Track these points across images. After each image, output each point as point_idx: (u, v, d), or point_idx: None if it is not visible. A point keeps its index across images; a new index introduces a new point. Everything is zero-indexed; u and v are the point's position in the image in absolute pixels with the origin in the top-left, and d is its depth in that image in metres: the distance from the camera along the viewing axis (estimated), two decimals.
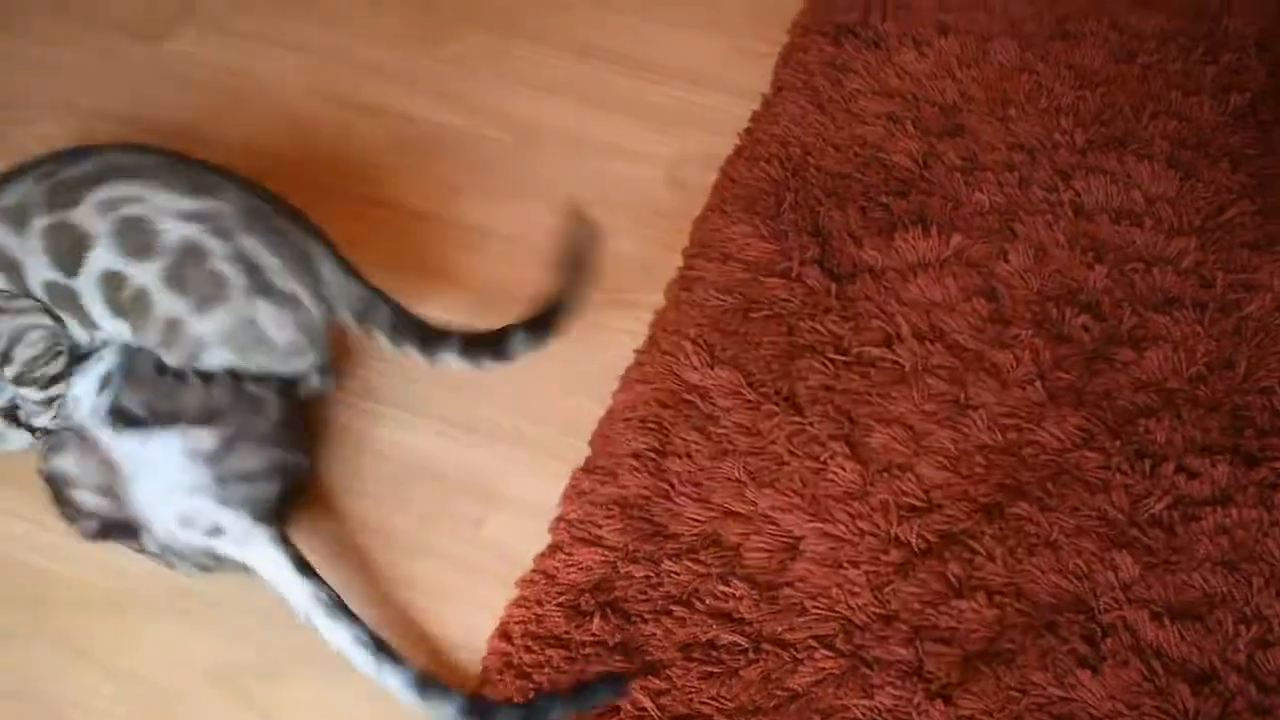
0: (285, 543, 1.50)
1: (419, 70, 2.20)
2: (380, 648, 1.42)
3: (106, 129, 2.12)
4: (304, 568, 1.48)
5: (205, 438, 1.50)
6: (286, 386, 1.61)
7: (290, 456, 1.58)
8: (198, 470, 1.50)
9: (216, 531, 1.49)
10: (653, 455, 1.63)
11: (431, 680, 1.42)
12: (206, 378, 1.55)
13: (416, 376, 1.76)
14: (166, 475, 1.50)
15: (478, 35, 2.27)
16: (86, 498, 1.50)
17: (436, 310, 1.77)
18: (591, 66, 2.21)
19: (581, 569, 1.55)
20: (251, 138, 2.10)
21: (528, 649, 1.48)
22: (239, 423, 1.53)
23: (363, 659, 1.42)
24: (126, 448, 1.50)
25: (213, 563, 1.53)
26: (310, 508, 1.64)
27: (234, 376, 1.56)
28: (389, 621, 1.55)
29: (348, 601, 1.48)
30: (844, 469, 1.61)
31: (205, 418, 1.51)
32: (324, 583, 1.47)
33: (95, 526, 1.52)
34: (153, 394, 1.54)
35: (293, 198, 1.90)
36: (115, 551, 1.58)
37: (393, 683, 1.41)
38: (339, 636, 1.44)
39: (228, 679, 1.52)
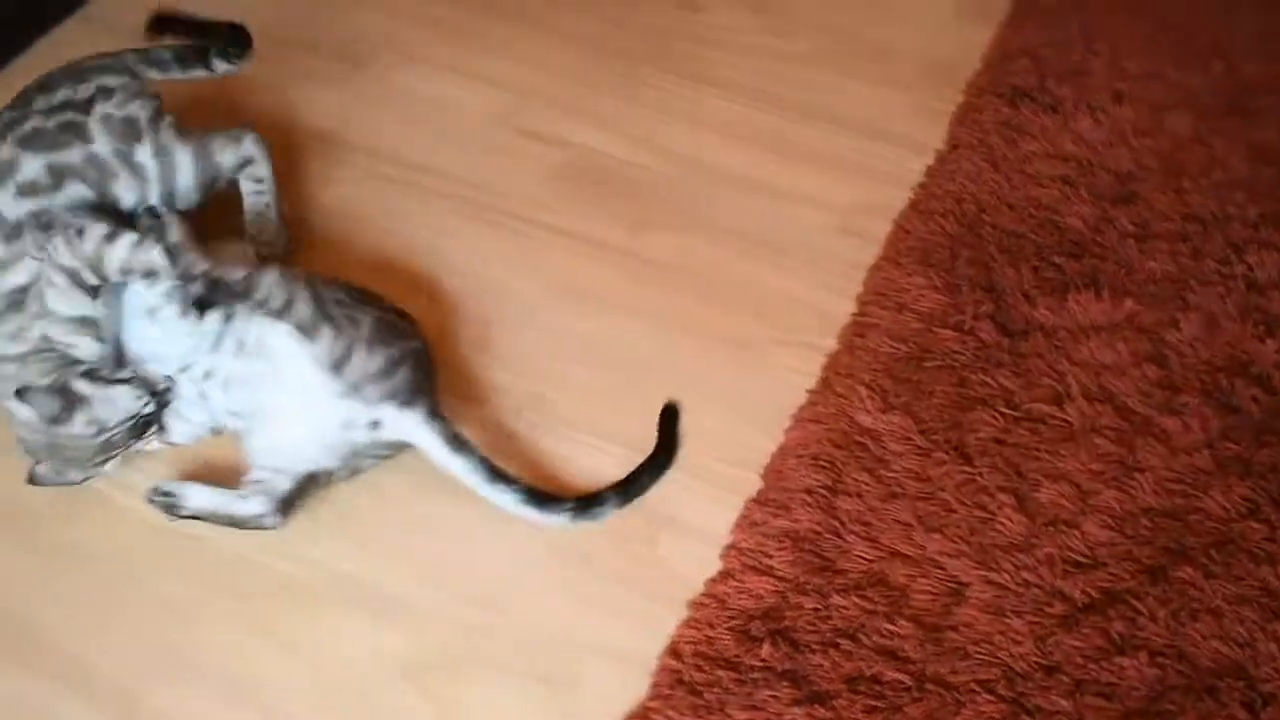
0: (436, 419, 1.68)
1: (608, 109, 2.30)
2: (538, 498, 1.65)
3: (307, 141, 2.25)
4: (456, 442, 1.67)
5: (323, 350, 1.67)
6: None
7: (401, 346, 1.72)
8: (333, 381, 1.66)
9: (375, 425, 1.67)
10: (824, 492, 1.69)
11: (589, 500, 1.67)
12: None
13: (603, 403, 1.85)
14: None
15: (665, 79, 2.36)
16: None
17: (613, 333, 1.89)
18: (771, 114, 2.29)
19: (752, 596, 1.61)
20: (440, 160, 2.21)
21: (698, 668, 1.54)
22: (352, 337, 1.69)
23: (528, 512, 1.65)
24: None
25: (385, 451, 1.73)
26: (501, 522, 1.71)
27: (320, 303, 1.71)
28: (547, 624, 1.63)
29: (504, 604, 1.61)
30: (1011, 520, 1.65)
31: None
32: (476, 453, 1.66)
33: None
34: None
35: (477, 218, 2.05)
36: (314, 546, 1.68)
37: (559, 520, 1.66)
38: (502, 499, 1.65)
39: (411, 674, 1.59)
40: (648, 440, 1.78)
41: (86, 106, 1.82)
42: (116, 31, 2.16)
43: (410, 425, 1.68)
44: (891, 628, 1.57)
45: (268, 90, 2.33)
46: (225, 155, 1.92)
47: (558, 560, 1.69)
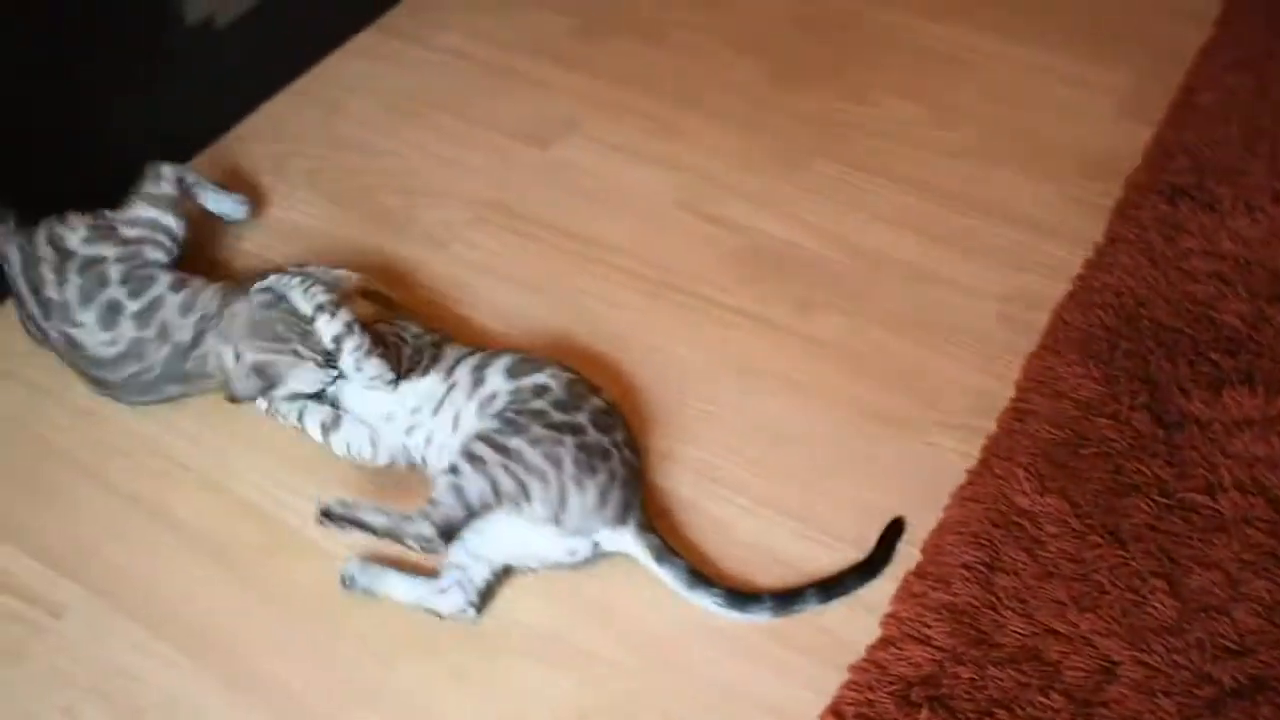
0: (645, 533, 1.82)
1: (776, 193, 2.44)
2: (737, 599, 1.78)
3: (495, 218, 2.43)
4: (662, 552, 1.80)
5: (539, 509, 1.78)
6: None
7: (607, 469, 1.81)
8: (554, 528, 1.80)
9: (595, 545, 1.81)
10: (982, 568, 1.79)
11: (787, 597, 1.78)
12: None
13: (770, 475, 1.98)
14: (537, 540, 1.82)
15: (831, 166, 2.50)
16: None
17: (780, 409, 2.03)
18: (932, 203, 2.40)
19: (911, 664, 1.71)
20: (621, 239, 2.37)
21: None
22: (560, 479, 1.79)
23: (728, 614, 1.78)
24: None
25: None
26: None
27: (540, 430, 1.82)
28: (717, 679, 1.74)
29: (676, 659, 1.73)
30: (1163, 604, 1.73)
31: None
32: (682, 561, 1.80)
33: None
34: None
35: (653, 295, 2.23)
36: (500, 596, 1.83)
37: (759, 618, 1.78)
38: (703, 602, 1.78)
39: (584, 718, 1.72)
40: (810, 511, 1.90)
41: None
42: None
43: (625, 541, 1.82)
44: (1044, 700, 1.65)
45: (452, 163, 2.52)
46: None
47: (729, 623, 1.80)
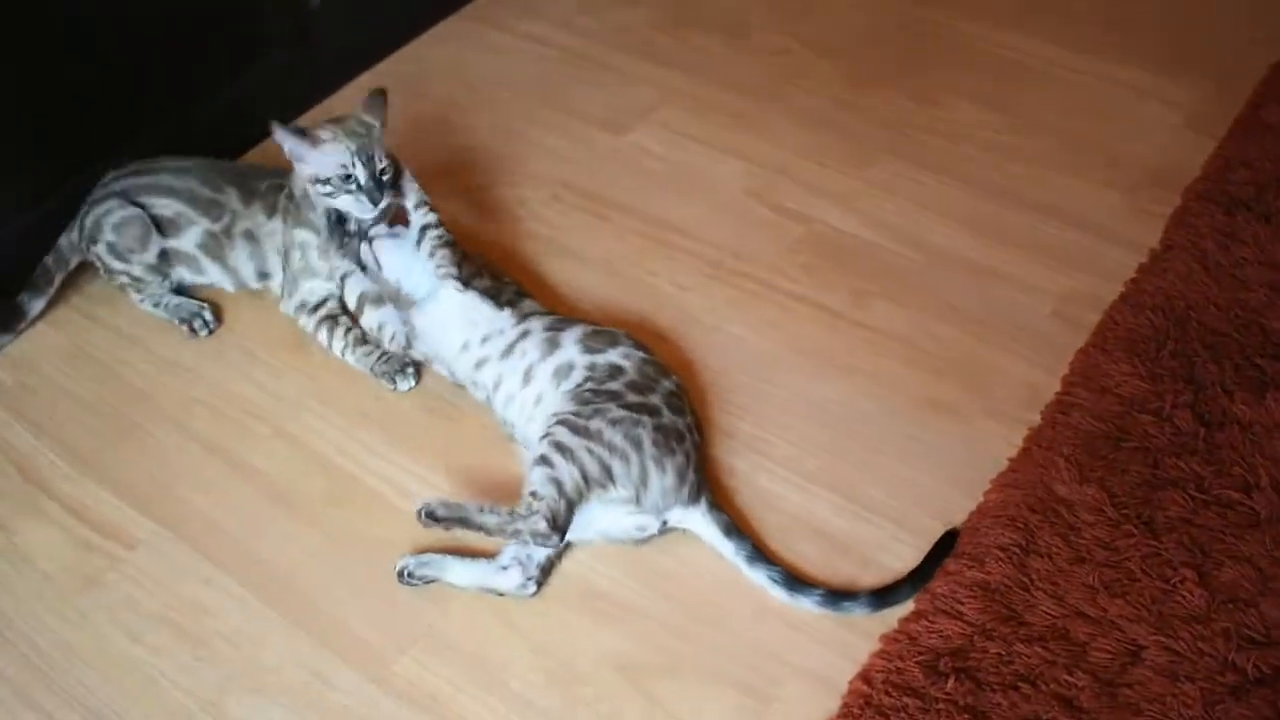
0: (714, 510, 1.89)
1: (843, 187, 2.51)
2: (790, 582, 1.83)
3: (569, 198, 2.52)
4: (730, 529, 1.88)
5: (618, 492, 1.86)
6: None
7: (683, 449, 1.89)
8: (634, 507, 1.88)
9: (664, 524, 1.88)
10: (1017, 550, 1.85)
11: (837, 595, 1.82)
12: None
13: (819, 453, 2.05)
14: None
15: (897, 164, 2.57)
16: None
17: (834, 391, 2.10)
18: (995, 204, 2.46)
19: (941, 636, 1.77)
20: (691, 224, 2.45)
21: (887, 694, 1.71)
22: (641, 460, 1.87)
23: (778, 592, 1.84)
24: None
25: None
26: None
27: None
28: (755, 641, 1.81)
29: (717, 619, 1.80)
30: (1192, 594, 1.78)
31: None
32: (746, 539, 1.87)
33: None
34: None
35: (718, 278, 2.30)
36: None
37: (807, 604, 1.82)
38: (758, 578, 1.85)
39: (628, 671, 1.79)
40: (855, 488, 1.98)
41: None
42: None
43: (694, 519, 1.90)
44: (1069, 678, 1.71)
45: (530, 144, 2.62)
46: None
47: (774, 597, 1.86)
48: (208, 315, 2.28)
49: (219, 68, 2.57)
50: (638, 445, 1.86)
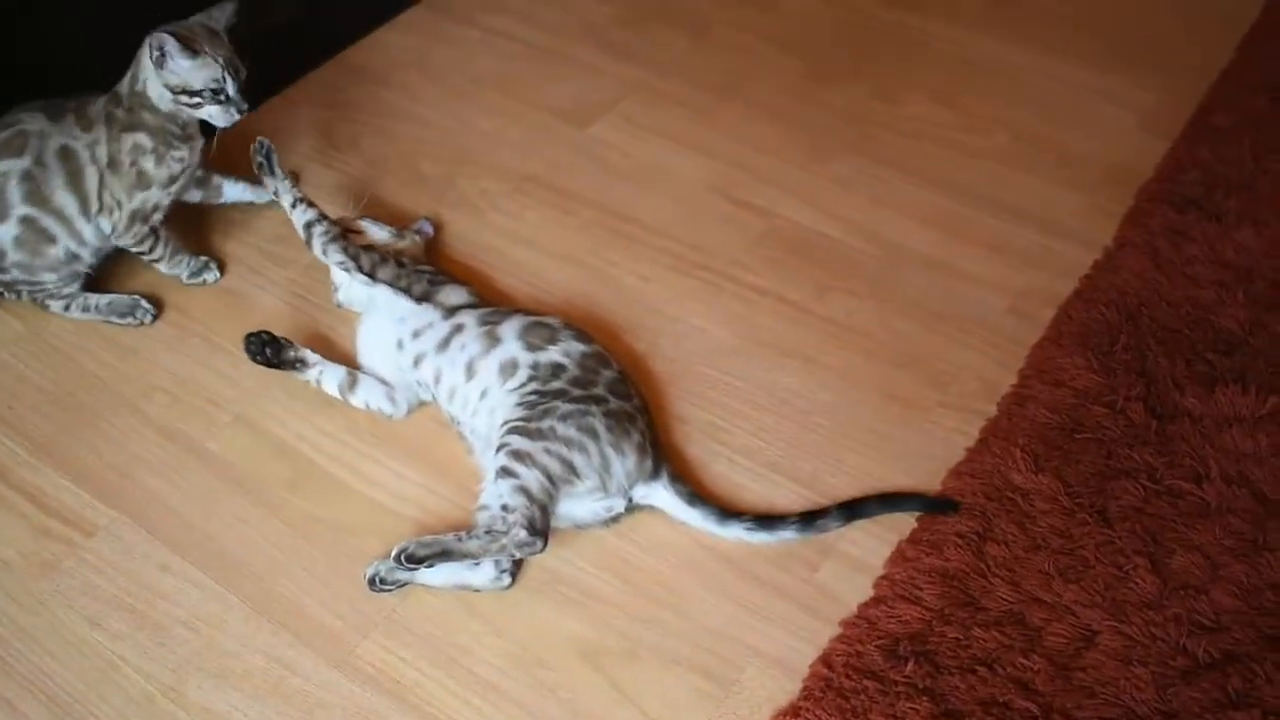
0: (675, 481, 1.93)
1: (804, 183, 2.54)
2: (765, 522, 1.89)
3: (532, 190, 2.53)
4: (692, 498, 1.91)
5: (588, 480, 1.89)
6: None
7: (638, 427, 1.93)
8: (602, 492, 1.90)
9: (630, 502, 1.91)
10: (974, 537, 1.88)
11: (812, 515, 1.90)
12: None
13: (776, 441, 2.07)
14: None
15: (858, 160, 2.59)
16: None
17: (793, 381, 2.13)
18: (954, 201, 2.50)
19: (900, 621, 1.79)
20: (653, 217, 2.47)
21: (847, 676, 1.73)
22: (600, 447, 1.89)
23: (759, 537, 1.89)
24: None
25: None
26: (682, 531, 1.94)
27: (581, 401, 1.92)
28: (716, 625, 1.83)
29: (679, 604, 1.81)
30: (1144, 581, 1.81)
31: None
32: (708, 504, 1.91)
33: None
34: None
35: (680, 270, 2.31)
36: None
37: (788, 535, 1.90)
38: (734, 533, 1.90)
39: (590, 655, 1.81)
40: (814, 477, 2.00)
41: None
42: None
43: (657, 493, 1.92)
44: (1025, 662, 1.74)
45: (493, 136, 2.63)
46: None
47: (731, 574, 1.89)
48: (144, 303, 2.27)
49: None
50: (593, 434, 1.88)
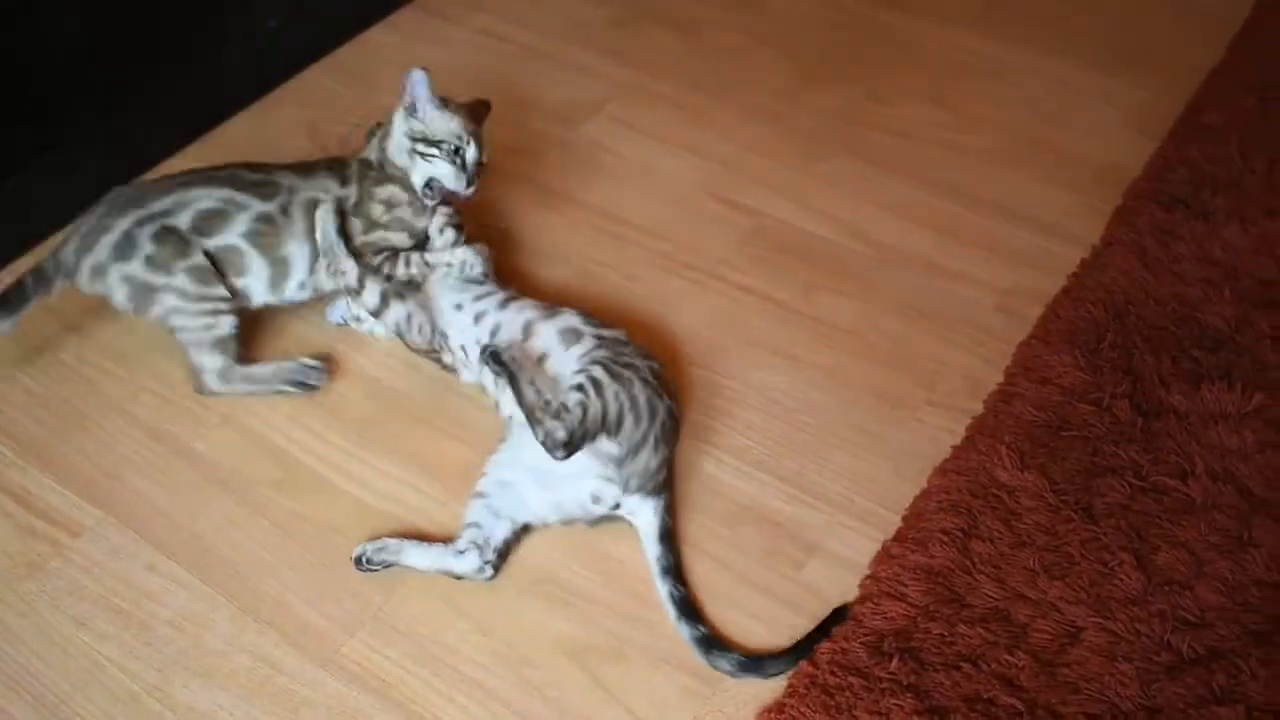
0: (665, 512, 1.90)
1: (794, 183, 2.54)
2: (684, 610, 1.80)
3: (522, 189, 2.53)
4: (664, 535, 1.88)
5: (613, 447, 1.87)
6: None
7: (672, 445, 1.94)
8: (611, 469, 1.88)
9: (616, 505, 1.89)
10: (959, 534, 1.88)
11: (714, 642, 1.78)
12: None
13: (764, 440, 2.07)
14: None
15: (848, 160, 2.60)
16: None
17: (781, 380, 2.14)
18: (943, 200, 2.50)
19: (886, 618, 1.79)
20: (642, 216, 2.48)
21: (832, 673, 1.73)
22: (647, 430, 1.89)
23: (670, 610, 1.82)
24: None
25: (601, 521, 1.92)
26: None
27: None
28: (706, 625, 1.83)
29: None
30: (1129, 577, 1.81)
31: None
32: (670, 550, 1.87)
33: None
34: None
35: (669, 270, 2.31)
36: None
37: (684, 634, 1.79)
38: (663, 595, 1.83)
39: (575, 654, 1.81)
40: (801, 476, 2.01)
41: None
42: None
43: (645, 512, 1.90)
44: (1010, 658, 1.74)
45: (495, 145, 2.63)
46: None
47: (716, 573, 1.89)
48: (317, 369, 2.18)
49: (169, 57, 2.56)
50: (653, 415, 1.88)
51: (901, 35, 2.96)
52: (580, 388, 1.84)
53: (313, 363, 2.15)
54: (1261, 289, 2.22)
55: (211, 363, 2.10)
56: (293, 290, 2.15)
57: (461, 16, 3.02)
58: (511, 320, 2.02)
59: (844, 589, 1.86)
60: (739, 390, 2.14)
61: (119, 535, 1.95)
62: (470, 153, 2.12)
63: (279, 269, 2.12)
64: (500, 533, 1.89)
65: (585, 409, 1.82)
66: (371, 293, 2.08)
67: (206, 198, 2.09)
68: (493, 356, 1.86)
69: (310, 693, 1.76)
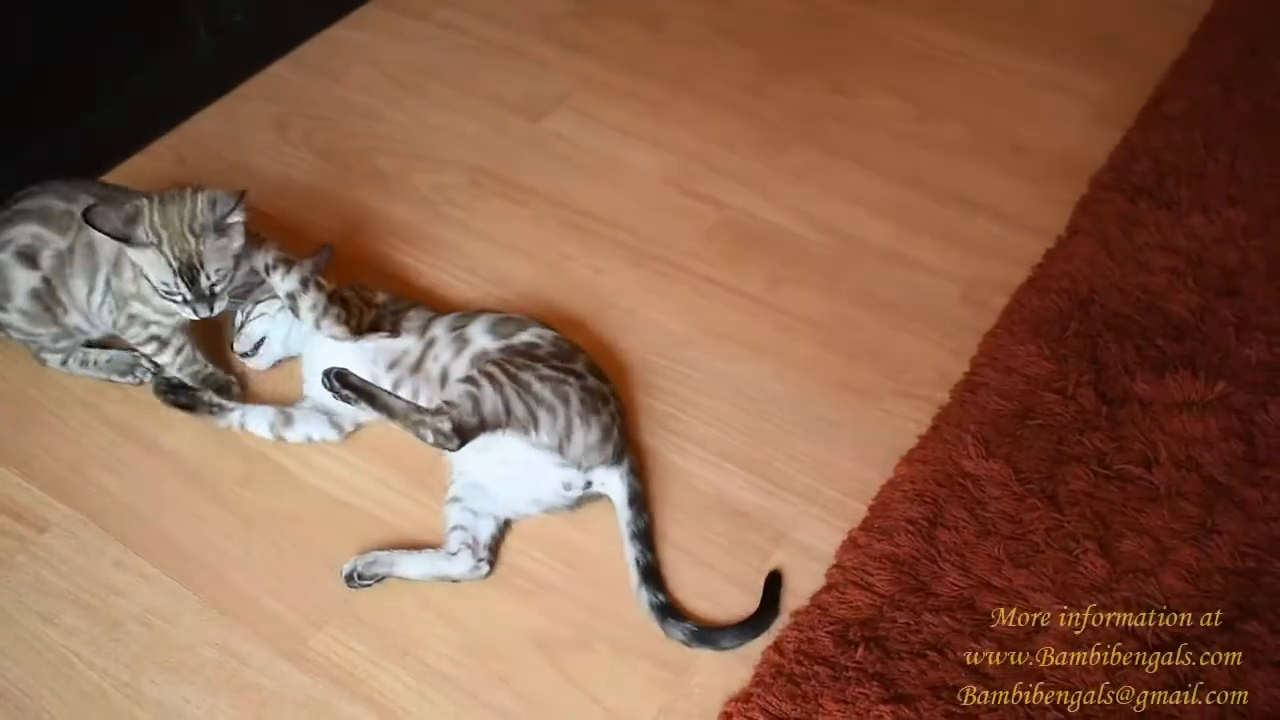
0: (632, 474, 1.92)
1: (759, 175, 2.55)
2: (646, 575, 1.83)
3: (487, 183, 2.53)
4: (632, 499, 1.90)
5: (545, 437, 1.87)
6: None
7: (608, 411, 1.93)
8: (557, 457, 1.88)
9: (588, 484, 1.90)
10: (925, 523, 1.88)
11: (671, 610, 1.80)
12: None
13: (732, 430, 2.07)
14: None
15: (812, 152, 2.61)
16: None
17: (747, 372, 2.14)
18: (907, 191, 2.51)
19: (852, 607, 1.80)
20: (607, 209, 2.48)
21: (798, 662, 1.74)
22: (568, 414, 1.89)
23: (634, 576, 1.84)
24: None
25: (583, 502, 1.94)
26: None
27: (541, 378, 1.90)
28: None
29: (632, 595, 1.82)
30: (1094, 564, 1.82)
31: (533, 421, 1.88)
32: (642, 514, 1.89)
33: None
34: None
35: (636, 262, 2.32)
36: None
37: (643, 600, 1.82)
38: (628, 554, 1.86)
39: (542, 645, 1.81)
40: (767, 466, 2.01)
41: None
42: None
43: (613, 481, 1.91)
44: (975, 646, 1.75)
45: (447, 131, 2.63)
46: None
47: (684, 563, 1.90)
48: (145, 362, 2.13)
49: (130, 52, 2.54)
50: (565, 401, 1.88)
51: (865, 27, 2.97)
52: (470, 380, 1.86)
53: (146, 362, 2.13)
54: (1225, 278, 2.24)
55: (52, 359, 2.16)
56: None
57: (426, 10, 3.01)
58: (429, 378, 1.98)
59: (811, 578, 1.87)
60: (705, 381, 2.15)
61: (85, 531, 1.94)
62: (185, 290, 1.90)
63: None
64: (486, 530, 1.89)
65: (476, 401, 1.83)
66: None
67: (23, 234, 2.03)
68: (338, 379, 1.83)
69: (278, 686, 1.76)
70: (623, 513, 1.89)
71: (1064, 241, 2.35)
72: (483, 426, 1.83)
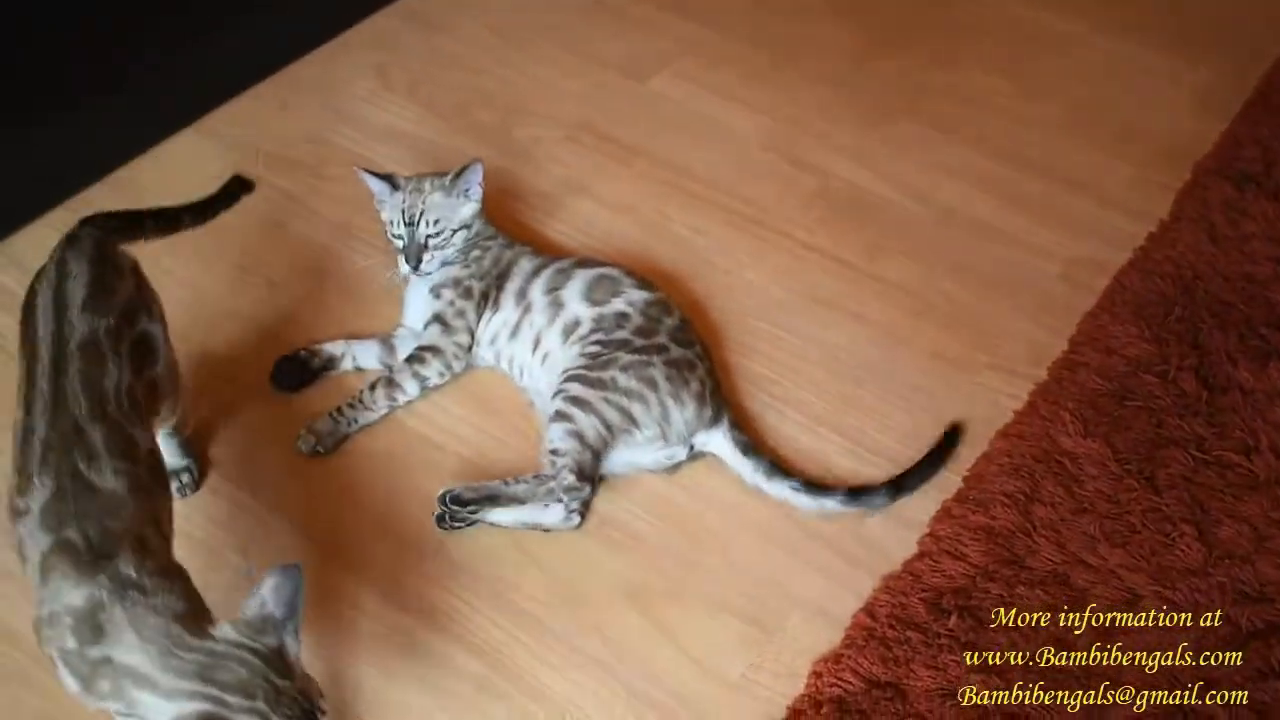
0: (734, 429, 1.95)
1: (860, 145, 2.54)
2: (812, 488, 1.89)
3: (587, 139, 2.54)
4: (748, 448, 1.93)
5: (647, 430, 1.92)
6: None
7: (697, 376, 1.95)
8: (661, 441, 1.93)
9: (692, 448, 1.94)
10: (1021, 497, 1.88)
11: (859, 491, 1.89)
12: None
13: (828, 396, 2.08)
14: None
15: (913, 125, 2.59)
16: None
17: (844, 339, 2.16)
18: (1008, 167, 2.49)
19: (945, 576, 1.80)
20: (708, 172, 2.48)
21: (890, 627, 1.74)
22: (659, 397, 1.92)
23: (802, 500, 1.89)
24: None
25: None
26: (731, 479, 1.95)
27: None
28: (760, 572, 1.85)
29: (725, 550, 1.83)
30: (1190, 548, 1.82)
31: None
32: (761, 456, 1.92)
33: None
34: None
35: (734, 225, 2.32)
36: None
37: (831, 505, 1.88)
38: (780, 491, 1.90)
39: (636, 597, 1.82)
40: (862, 432, 2.02)
41: None
42: None
43: (716, 440, 1.94)
44: (1067, 622, 1.74)
45: (549, 86, 2.65)
46: None
47: (778, 523, 1.90)
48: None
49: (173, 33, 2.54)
50: (652, 385, 1.90)
51: (970, 6, 2.95)
52: (561, 415, 1.89)
53: None
54: None
55: None
56: None
57: None
58: (523, 343, 2.04)
59: (903, 546, 1.87)
60: (802, 346, 2.15)
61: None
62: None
63: None
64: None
65: (579, 436, 1.87)
66: None
67: None
68: (455, 502, 1.85)
69: (373, 625, 1.78)
70: (743, 465, 1.92)
71: (1167, 226, 2.33)
72: (597, 457, 1.87)
